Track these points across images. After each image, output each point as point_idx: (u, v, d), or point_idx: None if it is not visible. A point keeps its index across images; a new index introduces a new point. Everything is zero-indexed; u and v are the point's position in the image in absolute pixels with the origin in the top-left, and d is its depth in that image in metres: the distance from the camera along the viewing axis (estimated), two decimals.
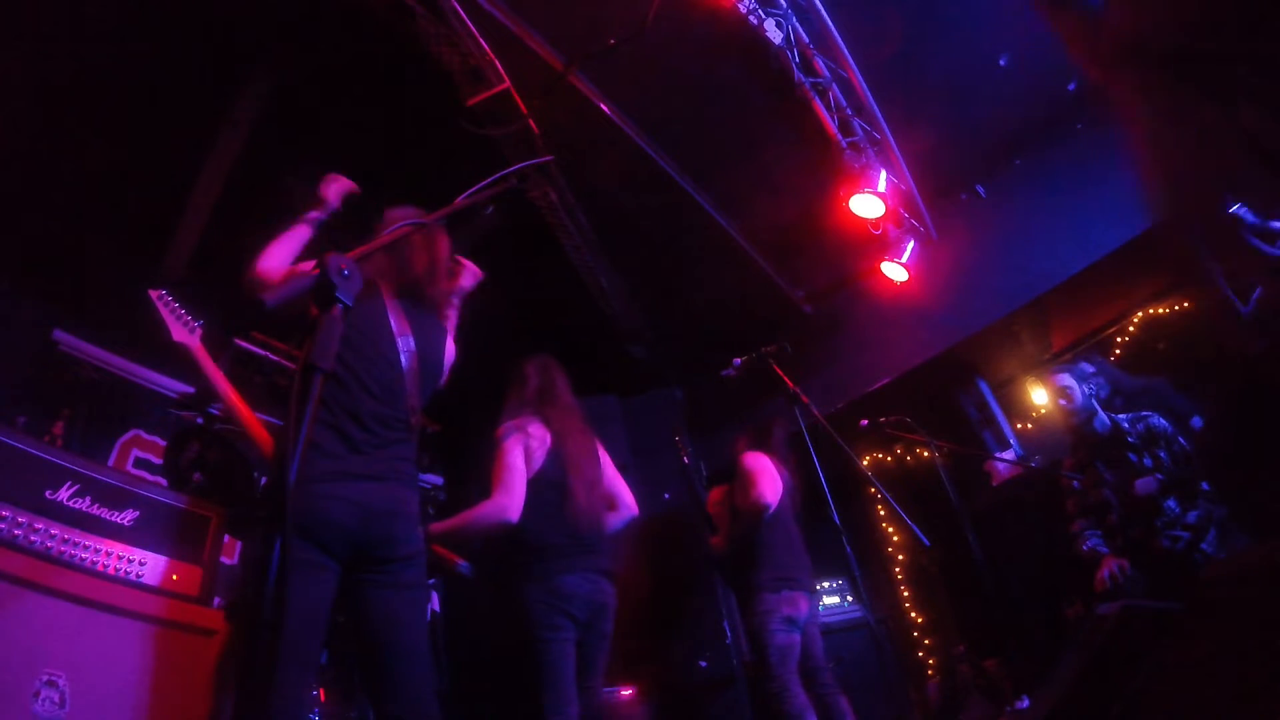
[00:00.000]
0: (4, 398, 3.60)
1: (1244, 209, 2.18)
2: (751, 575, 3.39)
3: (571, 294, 5.03)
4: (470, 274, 2.43)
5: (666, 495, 4.69)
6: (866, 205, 4.60)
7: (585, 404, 3.03)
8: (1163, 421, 3.46)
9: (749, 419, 4.11)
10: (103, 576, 2.25)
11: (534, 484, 2.60)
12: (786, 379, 3.27)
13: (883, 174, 4.50)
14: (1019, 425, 5.83)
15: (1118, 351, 5.27)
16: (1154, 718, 1.47)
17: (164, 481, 3.11)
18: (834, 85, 4.20)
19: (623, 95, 4.05)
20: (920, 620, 6.14)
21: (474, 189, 1.53)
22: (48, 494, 2.20)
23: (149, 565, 2.38)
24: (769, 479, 3.49)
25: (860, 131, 4.43)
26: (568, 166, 4.20)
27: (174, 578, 2.43)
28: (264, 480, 3.40)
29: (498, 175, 1.57)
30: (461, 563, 2.57)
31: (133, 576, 2.33)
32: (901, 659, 5.81)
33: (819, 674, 3.35)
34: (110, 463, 3.98)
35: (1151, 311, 5.14)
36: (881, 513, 6.59)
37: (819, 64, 4.09)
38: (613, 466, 2.95)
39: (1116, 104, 1.69)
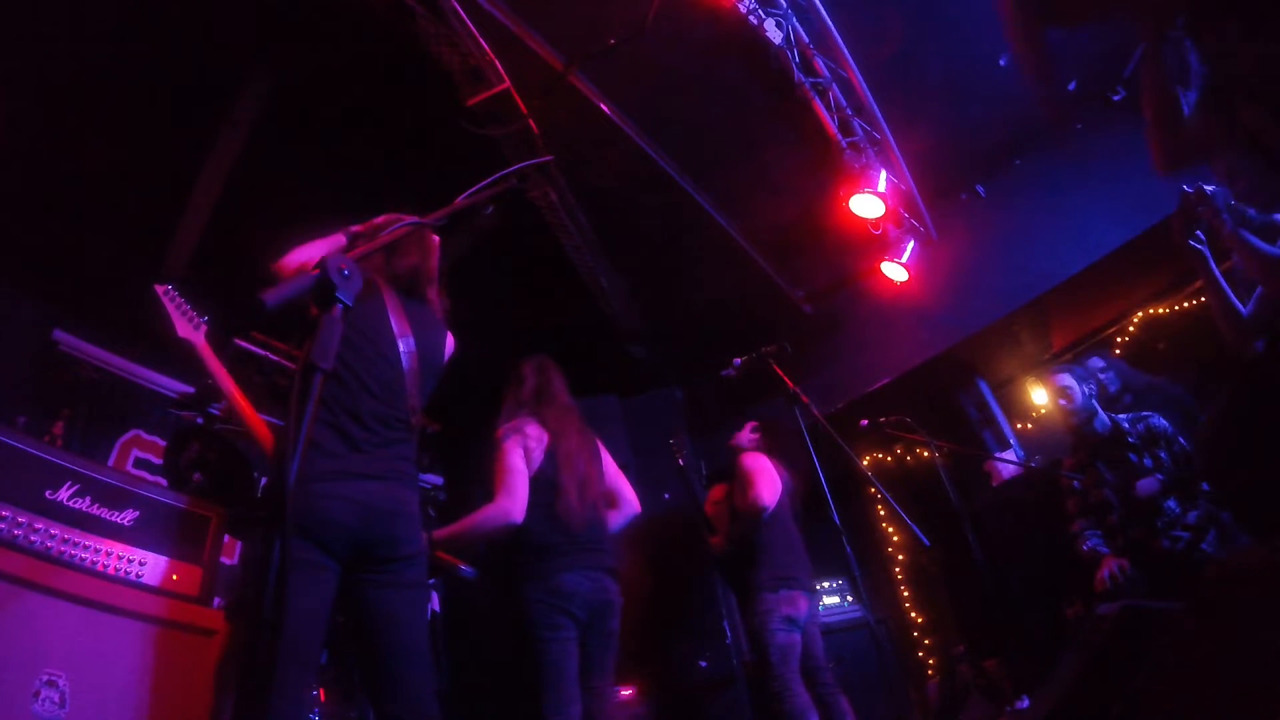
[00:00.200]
0: (4, 398, 3.60)
1: (1224, 192, 2.19)
2: (751, 575, 3.40)
3: (571, 294, 5.03)
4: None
5: (666, 495, 4.69)
6: (866, 205, 4.60)
7: (585, 404, 3.03)
8: (1163, 422, 3.46)
9: (749, 418, 4.10)
10: (103, 576, 2.25)
11: (533, 484, 2.60)
12: (786, 379, 3.27)
13: (883, 174, 4.50)
14: (1019, 425, 5.83)
15: (1117, 352, 5.27)
16: (1154, 718, 1.47)
17: (164, 481, 3.11)
18: (834, 85, 4.20)
19: (623, 95, 4.05)
20: (920, 620, 6.14)
21: (474, 189, 1.53)
22: (48, 494, 2.20)
23: (149, 565, 2.38)
24: (767, 480, 3.49)
25: (860, 131, 4.43)
26: (568, 166, 4.20)
27: (174, 578, 2.44)
28: (264, 480, 3.40)
29: (498, 175, 1.57)
30: (464, 566, 2.57)
31: (133, 576, 2.33)
32: (901, 659, 5.81)
33: (819, 674, 3.35)
34: (110, 463, 3.98)
35: (1151, 311, 5.14)
36: (881, 513, 6.60)
37: (819, 64, 4.09)
38: (614, 465, 2.95)
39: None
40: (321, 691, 3.03)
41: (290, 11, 3.29)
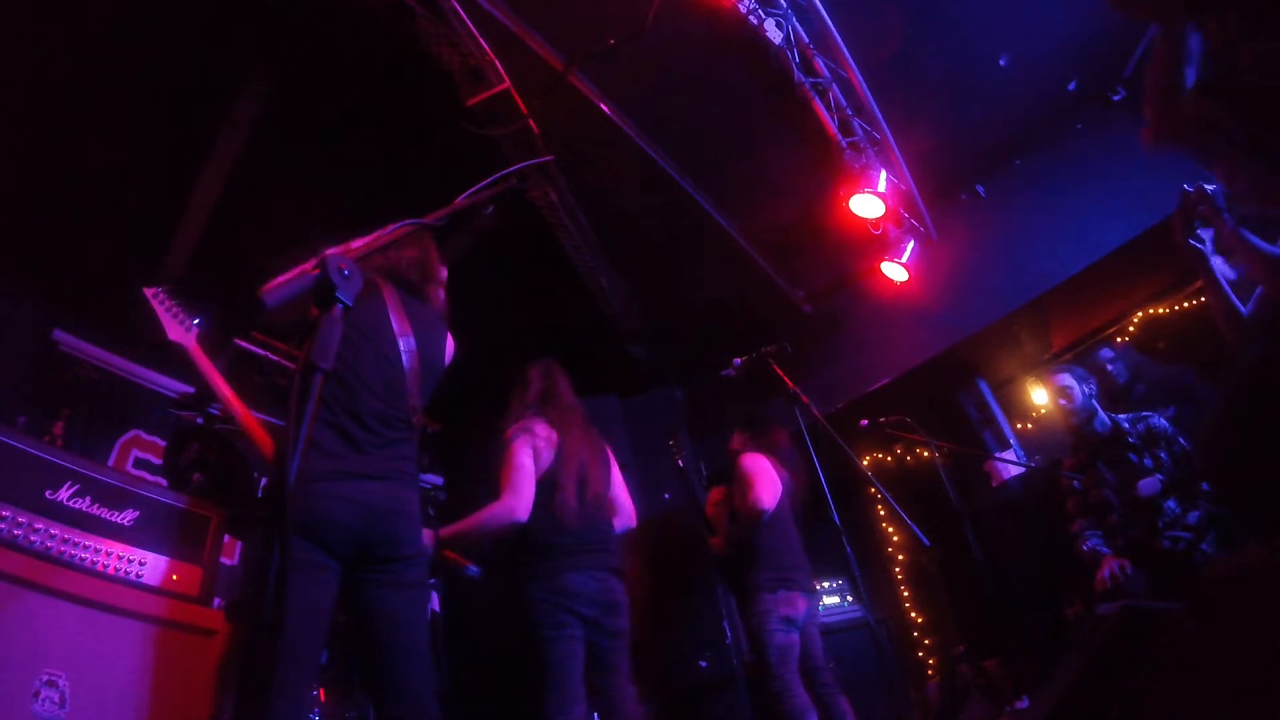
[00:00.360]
0: (4, 398, 3.60)
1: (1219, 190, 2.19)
2: (750, 575, 3.40)
3: (571, 294, 5.03)
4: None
5: (666, 495, 4.69)
6: (866, 205, 4.60)
7: (585, 404, 3.04)
8: (1163, 422, 3.46)
9: (751, 414, 4.10)
10: (103, 576, 2.25)
11: (541, 483, 2.62)
12: (786, 379, 3.27)
13: (883, 174, 4.50)
14: (1019, 425, 5.83)
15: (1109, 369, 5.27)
16: (1154, 718, 1.47)
17: (164, 481, 3.12)
18: (834, 85, 4.20)
19: (623, 95, 4.05)
20: (920, 620, 6.14)
21: (474, 189, 1.53)
22: (48, 494, 2.20)
23: (149, 565, 2.38)
24: (767, 481, 3.49)
25: (860, 131, 4.43)
26: (568, 166, 4.20)
27: (174, 578, 2.44)
28: (264, 480, 3.40)
29: (498, 175, 1.57)
30: (470, 566, 2.57)
31: (133, 576, 2.33)
32: (901, 659, 5.81)
33: (818, 674, 3.35)
34: (110, 463, 3.98)
35: (1151, 311, 5.14)
36: (881, 513, 6.60)
37: (819, 64, 4.09)
38: (619, 474, 2.96)
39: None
40: (321, 691, 3.03)
41: (290, 11, 3.29)
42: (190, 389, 3.67)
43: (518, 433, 2.68)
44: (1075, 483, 3.59)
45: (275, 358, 4.46)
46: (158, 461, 4.13)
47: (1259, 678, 1.25)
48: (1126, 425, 3.50)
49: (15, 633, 1.98)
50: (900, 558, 6.46)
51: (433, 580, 3.11)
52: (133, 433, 4.19)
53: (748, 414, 4.00)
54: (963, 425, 5.74)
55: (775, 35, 3.73)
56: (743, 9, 3.60)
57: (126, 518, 2.37)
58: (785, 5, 3.74)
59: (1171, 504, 3.22)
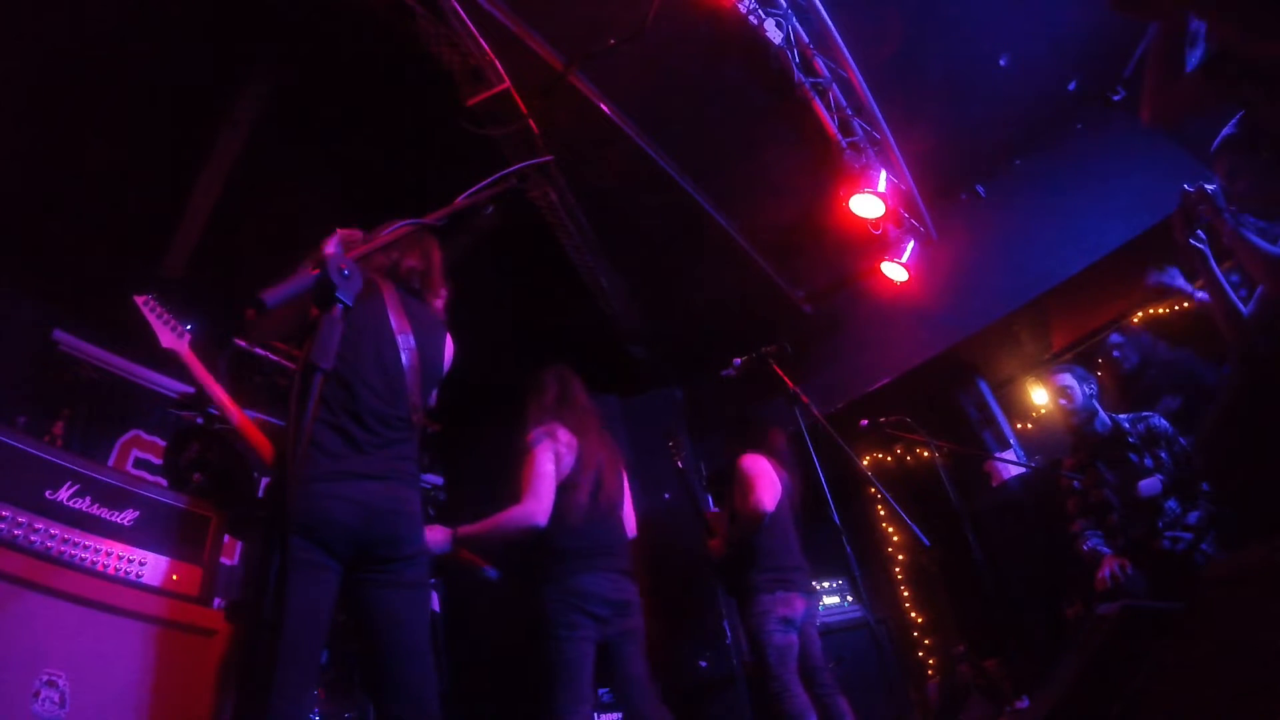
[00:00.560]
0: (4, 398, 3.60)
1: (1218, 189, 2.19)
2: (748, 576, 3.40)
3: (571, 294, 5.03)
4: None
5: (667, 495, 4.69)
6: (866, 205, 4.60)
7: None
8: (1163, 422, 3.46)
9: (748, 416, 4.10)
10: (103, 576, 2.25)
11: (561, 487, 2.64)
12: (786, 379, 3.27)
13: (883, 174, 4.50)
14: (1019, 425, 5.83)
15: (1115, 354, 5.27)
16: (1154, 718, 1.47)
17: (164, 481, 3.12)
18: (834, 85, 4.20)
19: (623, 95, 4.05)
20: (920, 620, 6.15)
21: (474, 189, 1.53)
22: (48, 494, 2.20)
23: (149, 565, 2.38)
24: (767, 483, 3.49)
25: (860, 131, 4.43)
26: (568, 166, 4.20)
27: (174, 578, 2.44)
28: (264, 480, 3.40)
29: (498, 175, 1.57)
30: (489, 568, 2.58)
31: (133, 576, 2.33)
32: (901, 659, 5.81)
33: (817, 674, 3.35)
34: (110, 463, 3.98)
35: (1151, 311, 5.14)
36: (881, 513, 6.60)
37: (819, 64, 4.09)
38: (627, 483, 2.98)
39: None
40: (321, 691, 3.03)
41: (290, 11, 3.29)
42: (190, 389, 3.67)
43: (540, 436, 2.70)
44: (1075, 483, 3.59)
45: (275, 358, 4.46)
46: (158, 461, 4.13)
47: (1259, 678, 1.25)
48: (1127, 425, 3.50)
49: (15, 633, 1.98)
50: (900, 558, 6.46)
51: (433, 580, 3.11)
52: (133, 433, 4.19)
53: (737, 419, 3.99)
54: (963, 425, 5.74)
55: (775, 35, 3.73)
56: (743, 9, 3.60)
57: (126, 518, 2.37)
58: (785, 5, 3.74)
59: (1172, 504, 3.22)
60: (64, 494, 2.23)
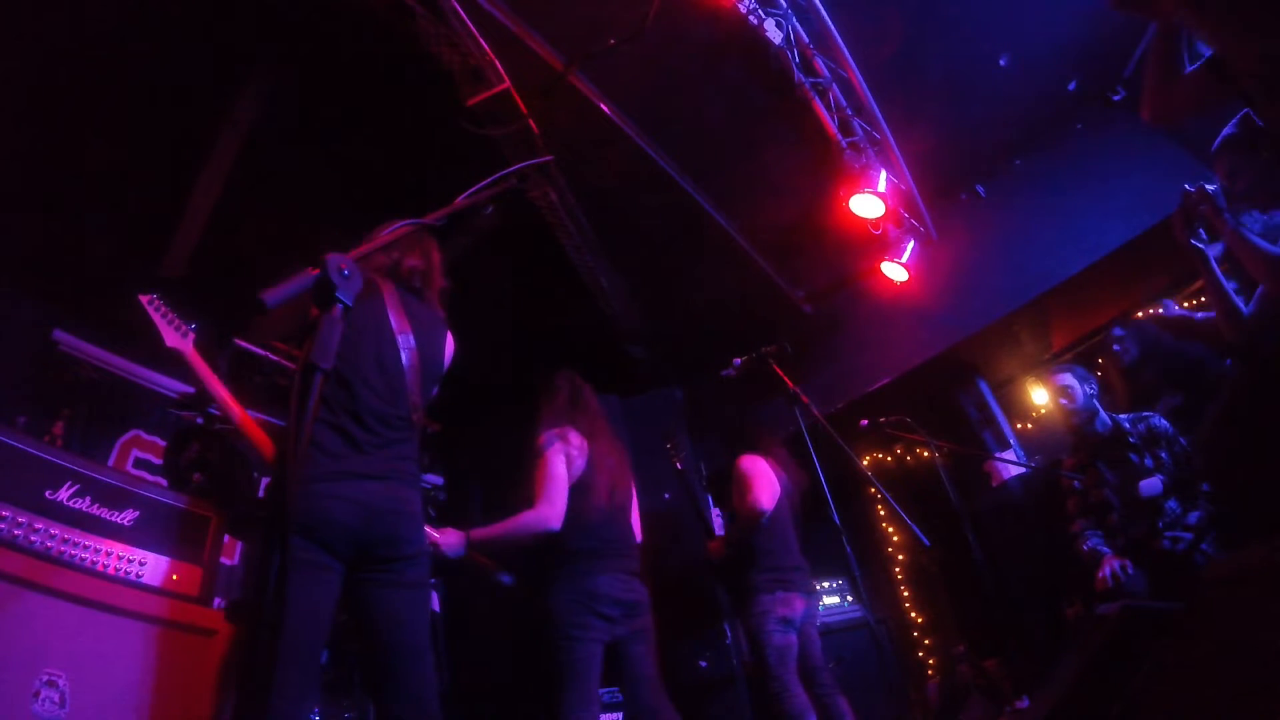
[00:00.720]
0: (4, 398, 3.60)
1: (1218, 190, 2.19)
2: (748, 577, 3.40)
3: (571, 294, 5.03)
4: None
5: (667, 495, 4.69)
6: (866, 205, 4.60)
7: None
8: (1163, 422, 3.46)
9: (746, 419, 4.10)
10: (103, 576, 2.25)
11: (573, 490, 2.66)
12: (786, 379, 3.27)
13: (883, 174, 4.50)
14: (1019, 425, 5.83)
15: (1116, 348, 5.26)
16: (1154, 718, 1.47)
17: (164, 481, 3.12)
18: (834, 85, 4.20)
19: (623, 95, 4.05)
20: (920, 620, 6.15)
21: (474, 189, 1.53)
22: (48, 494, 2.20)
23: (149, 565, 2.38)
24: (765, 483, 3.50)
25: (860, 131, 4.43)
26: (568, 166, 4.20)
27: (174, 578, 2.44)
28: (265, 480, 3.40)
29: (498, 175, 1.57)
30: (503, 574, 2.59)
31: (133, 576, 2.33)
32: (901, 659, 5.81)
33: (817, 674, 3.35)
34: (110, 463, 3.98)
35: (1151, 311, 5.13)
36: (881, 513, 6.60)
37: (819, 64, 4.09)
38: (634, 488, 3.00)
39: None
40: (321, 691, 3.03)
41: (290, 11, 3.29)
42: (190, 389, 3.67)
43: (552, 439, 2.72)
44: (1075, 483, 3.59)
45: (275, 358, 4.46)
46: (158, 461, 4.13)
47: (1259, 678, 1.25)
48: (1127, 425, 3.50)
49: (15, 633, 1.98)
50: (900, 558, 6.46)
51: (433, 580, 3.11)
52: (133, 433, 4.19)
53: (736, 423, 3.99)
54: (963, 425, 5.75)
55: (775, 35, 3.73)
56: (743, 9, 3.60)
57: (126, 518, 2.37)
58: (785, 5, 3.74)
59: (1172, 504, 3.22)
60: (64, 494, 2.23)
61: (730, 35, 3.77)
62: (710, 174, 4.72)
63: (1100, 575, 3.24)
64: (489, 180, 1.55)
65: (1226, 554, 3.01)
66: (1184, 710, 1.39)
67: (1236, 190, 2.21)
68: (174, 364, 2.60)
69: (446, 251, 2.34)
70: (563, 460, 2.67)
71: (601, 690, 2.59)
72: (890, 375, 5.55)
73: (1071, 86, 4.72)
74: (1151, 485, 3.27)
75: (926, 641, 6.03)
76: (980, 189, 5.39)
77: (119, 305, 2.69)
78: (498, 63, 3.42)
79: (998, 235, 5.24)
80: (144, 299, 2.53)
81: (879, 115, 4.38)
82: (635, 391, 5.16)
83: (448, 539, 2.47)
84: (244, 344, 4.31)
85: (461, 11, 3.22)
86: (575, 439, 2.77)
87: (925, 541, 3.37)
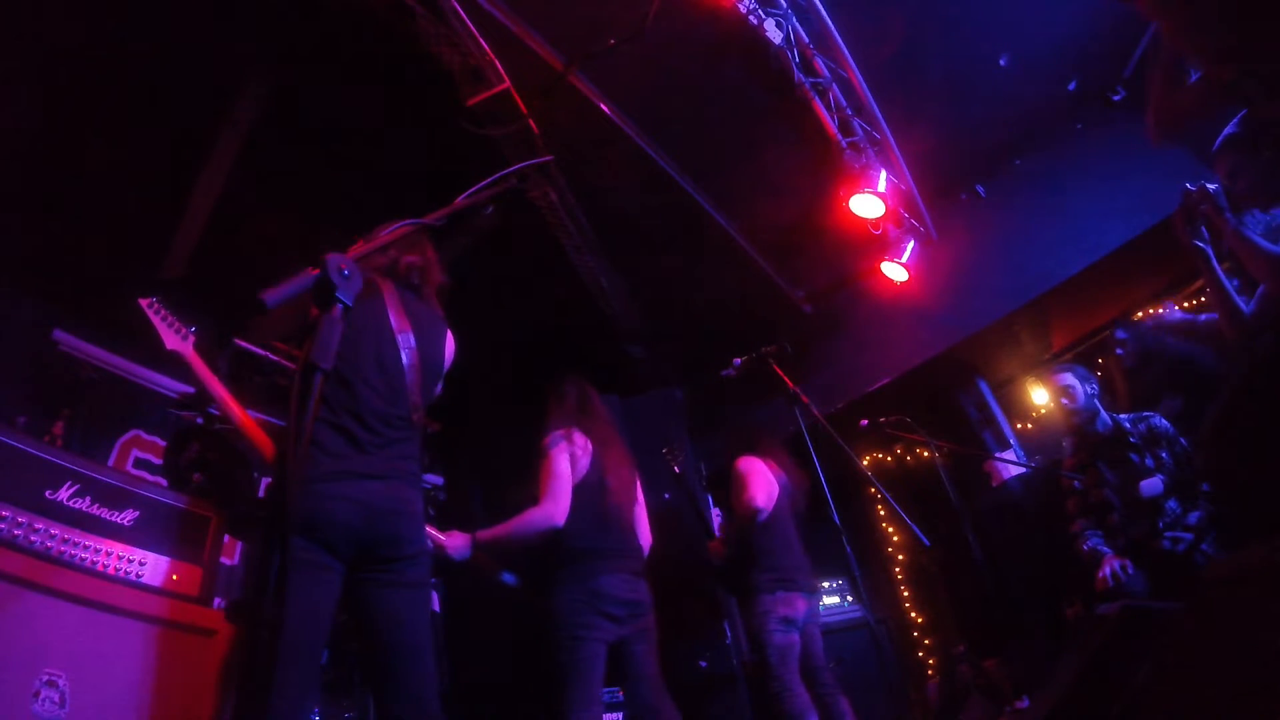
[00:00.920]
0: (4, 398, 3.60)
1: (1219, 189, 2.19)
2: (749, 576, 3.41)
3: (571, 294, 5.03)
4: None
5: (666, 495, 4.69)
6: (866, 205, 4.60)
7: None
8: (1164, 422, 3.46)
9: (746, 419, 4.10)
10: (103, 576, 2.25)
11: (577, 489, 2.68)
12: (786, 379, 3.27)
13: (883, 174, 4.50)
14: (1019, 425, 5.83)
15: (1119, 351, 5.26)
16: (1154, 718, 1.47)
17: (164, 481, 3.12)
18: (834, 85, 4.20)
19: (623, 95, 4.05)
20: (920, 620, 6.14)
21: (474, 189, 1.53)
22: (48, 494, 2.20)
23: (149, 565, 2.38)
24: (761, 482, 3.51)
25: (860, 131, 4.43)
26: (568, 166, 4.21)
27: (174, 578, 2.44)
28: (265, 480, 3.40)
29: (498, 175, 1.57)
30: (507, 574, 2.60)
31: (133, 576, 2.33)
32: (901, 659, 5.81)
33: (819, 674, 3.35)
34: (110, 463, 3.98)
35: (1151, 311, 5.14)
36: (881, 513, 6.60)
37: (819, 64, 4.09)
38: (641, 493, 3.02)
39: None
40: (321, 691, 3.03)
41: (290, 11, 3.29)
42: (190, 389, 3.67)
43: (556, 439, 2.76)
44: (1076, 483, 3.59)
45: (275, 358, 4.45)
46: (158, 461, 4.13)
47: (1259, 678, 1.24)
48: (1128, 425, 3.50)
49: (15, 633, 1.98)
50: (900, 558, 6.46)
51: (433, 580, 3.12)
52: (133, 433, 4.19)
53: (736, 426, 4.00)
54: (963, 425, 5.74)
55: (775, 35, 3.73)
56: (743, 9, 3.60)
57: (126, 518, 2.37)
58: (785, 5, 3.74)
59: (1172, 504, 3.22)
60: (64, 494, 2.23)
61: (730, 35, 3.77)
62: (710, 174, 4.73)
63: (1100, 575, 3.24)
64: (489, 180, 1.55)
65: (1226, 554, 3.01)
66: (1184, 710, 1.39)
67: (1237, 190, 2.21)
68: (174, 365, 2.60)
69: (447, 251, 2.34)
70: (567, 459, 2.71)
71: (603, 690, 2.60)
72: (890, 375, 5.55)
73: (1071, 86, 4.72)
74: (1152, 485, 3.27)
75: (926, 641, 6.03)
76: (980, 189, 5.39)
77: (119, 305, 2.70)
78: (498, 63, 3.42)
79: (998, 235, 5.23)
80: (143, 302, 2.53)
81: (879, 115, 4.38)
82: (635, 391, 5.16)
83: (454, 542, 2.48)
84: (244, 344, 4.31)
85: (461, 11, 3.22)
86: (580, 439, 2.80)
87: (925, 541, 3.37)
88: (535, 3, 3.50)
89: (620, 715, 3.74)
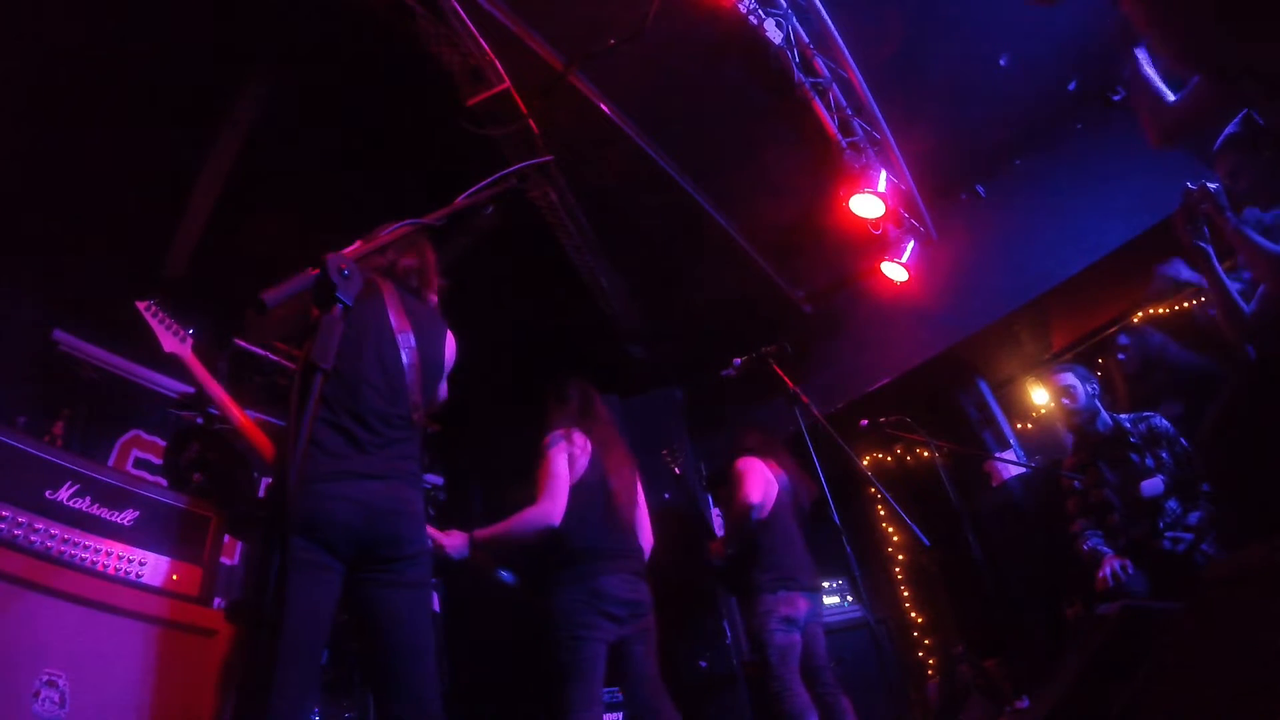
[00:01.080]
0: (4, 398, 3.60)
1: (1221, 189, 2.19)
2: (751, 576, 3.41)
3: (571, 294, 5.03)
4: None
5: (666, 495, 4.69)
6: (866, 205, 4.60)
7: None
8: (1164, 422, 3.46)
9: (747, 420, 4.10)
10: (103, 576, 2.25)
11: (576, 489, 2.69)
12: (786, 379, 3.27)
13: (883, 174, 4.50)
14: (1019, 425, 5.83)
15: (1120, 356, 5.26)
16: (1154, 718, 1.47)
17: (164, 481, 3.12)
18: (834, 85, 4.20)
19: (623, 95, 4.05)
20: (920, 620, 6.14)
21: (474, 189, 1.53)
22: (48, 494, 2.20)
23: (149, 565, 2.38)
24: (758, 481, 3.52)
25: (860, 131, 4.43)
26: (568, 166, 4.20)
27: (174, 578, 2.44)
28: (265, 480, 3.40)
29: (498, 175, 1.57)
30: (505, 573, 2.61)
31: (133, 576, 2.33)
32: (901, 659, 5.81)
33: (821, 673, 3.35)
34: (110, 463, 3.98)
35: (1151, 311, 5.14)
36: (881, 513, 6.60)
37: (819, 64, 4.09)
38: (642, 493, 3.02)
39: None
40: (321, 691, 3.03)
41: (290, 11, 3.29)
42: (190, 389, 3.67)
43: (555, 439, 2.77)
44: (1076, 482, 3.59)
45: (275, 358, 4.46)
46: (158, 461, 4.13)
47: (1259, 678, 1.24)
48: (1128, 425, 3.50)
49: (15, 633, 1.98)
50: (900, 558, 6.46)
51: (433, 580, 3.12)
52: (133, 433, 4.19)
53: (738, 428, 4.01)
54: (963, 425, 5.74)
55: (775, 35, 3.73)
56: (743, 9, 3.60)
57: (126, 518, 2.37)
58: (785, 5, 3.74)
59: (1173, 504, 3.21)
60: (64, 494, 2.23)
61: (730, 35, 3.77)
62: (710, 174, 4.72)
63: (1100, 575, 3.24)
64: (489, 180, 1.55)
65: (1226, 554, 3.01)
66: (1184, 710, 1.39)
67: (1238, 189, 2.21)
68: (174, 366, 2.60)
69: (447, 251, 2.34)
70: (565, 459, 2.72)
71: (603, 690, 2.60)
72: (890, 375, 5.55)
73: (1071, 86, 4.72)
74: (1154, 485, 3.26)
75: (926, 641, 6.03)
76: (980, 189, 5.39)
77: (119, 305, 2.70)
78: (498, 63, 3.42)
79: (998, 235, 5.23)
80: (141, 305, 2.54)
81: (879, 115, 4.38)
82: (635, 391, 5.16)
83: (452, 541, 2.49)
84: (244, 344, 4.31)
85: (461, 11, 3.22)
86: (579, 439, 2.81)
87: (925, 541, 3.37)
88: (535, 3, 3.50)
89: (620, 715, 3.74)
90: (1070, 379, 3.62)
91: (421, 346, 2.03)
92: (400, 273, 2.14)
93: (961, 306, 5.25)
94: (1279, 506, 2.01)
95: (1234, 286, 2.33)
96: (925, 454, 5.62)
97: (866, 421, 4.09)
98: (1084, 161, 4.87)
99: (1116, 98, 4.72)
